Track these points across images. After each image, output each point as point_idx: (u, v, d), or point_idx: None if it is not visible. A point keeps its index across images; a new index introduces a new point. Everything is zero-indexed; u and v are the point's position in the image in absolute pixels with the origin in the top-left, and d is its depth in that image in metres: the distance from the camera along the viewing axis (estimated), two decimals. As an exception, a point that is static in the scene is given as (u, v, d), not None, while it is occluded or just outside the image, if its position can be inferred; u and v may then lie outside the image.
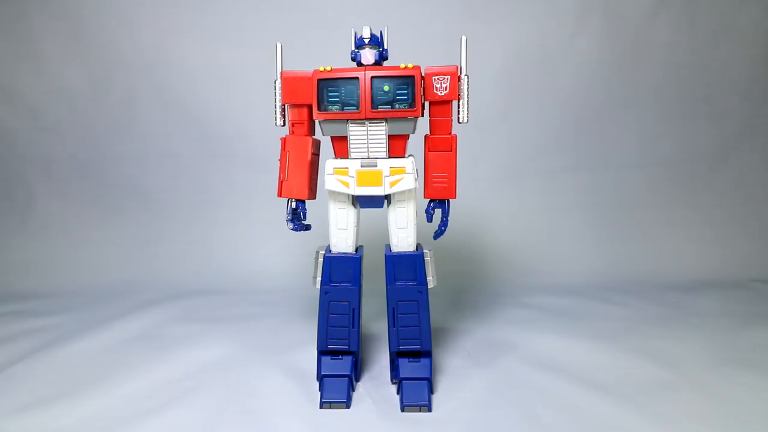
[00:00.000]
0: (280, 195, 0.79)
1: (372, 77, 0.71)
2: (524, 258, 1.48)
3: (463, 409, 0.76)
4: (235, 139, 1.57)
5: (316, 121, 0.76)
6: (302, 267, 1.41)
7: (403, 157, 0.75)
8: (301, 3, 1.52)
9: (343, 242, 0.80)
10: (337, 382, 0.79)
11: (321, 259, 0.79)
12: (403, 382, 0.79)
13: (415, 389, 0.77)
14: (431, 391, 0.80)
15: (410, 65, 0.71)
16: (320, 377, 0.80)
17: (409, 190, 0.76)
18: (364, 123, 0.73)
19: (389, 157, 0.75)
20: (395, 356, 0.82)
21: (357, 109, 0.72)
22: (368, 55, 0.72)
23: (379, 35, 0.75)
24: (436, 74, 0.73)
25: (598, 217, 1.54)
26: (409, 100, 0.71)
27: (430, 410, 0.76)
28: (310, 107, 0.75)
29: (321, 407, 0.76)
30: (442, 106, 0.75)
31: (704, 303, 1.22)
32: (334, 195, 0.78)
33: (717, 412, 0.74)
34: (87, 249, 1.56)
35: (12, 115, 1.63)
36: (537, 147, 1.56)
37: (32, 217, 1.62)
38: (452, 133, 0.76)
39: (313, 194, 0.80)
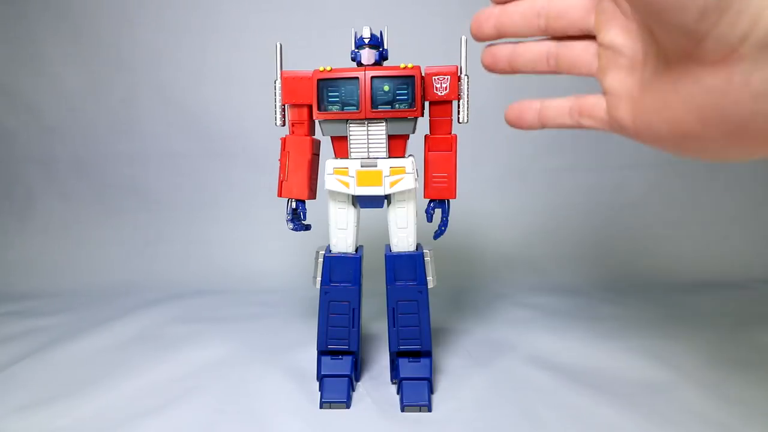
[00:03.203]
0: (280, 195, 0.79)
1: (372, 77, 0.71)
2: (524, 258, 1.48)
3: (463, 409, 0.76)
4: (235, 139, 1.58)
5: (316, 121, 0.76)
6: (302, 267, 1.41)
7: (403, 157, 0.76)
8: (301, 3, 1.53)
9: (343, 242, 0.80)
10: (337, 382, 0.79)
11: (321, 259, 0.79)
12: (403, 382, 0.79)
13: (415, 389, 0.77)
14: (431, 391, 0.80)
15: (410, 65, 0.71)
16: (320, 377, 0.80)
17: (409, 190, 0.76)
18: (364, 123, 0.73)
19: (389, 157, 0.75)
20: (395, 356, 0.82)
21: (357, 109, 0.72)
22: (368, 55, 0.72)
23: (379, 35, 0.75)
24: (436, 74, 0.74)
25: (598, 217, 1.54)
26: (409, 100, 0.71)
27: (430, 410, 0.76)
28: (310, 107, 0.75)
29: (321, 407, 0.77)
30: (442, 106, 0.75)
31: (704, 303, 1.22)
32: (334, 195, 0.78)
33: (717, 412, 0.74)
34: (87, 249, 1.56)
35: (12, 115, 1.63)
36: (537, 147, 1.56)
37: (32, 217, 1.63)
38: (452, 133, 0.76)
39: (313, 194, 0.80)
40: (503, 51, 0.56)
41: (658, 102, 0.39)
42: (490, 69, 0.58)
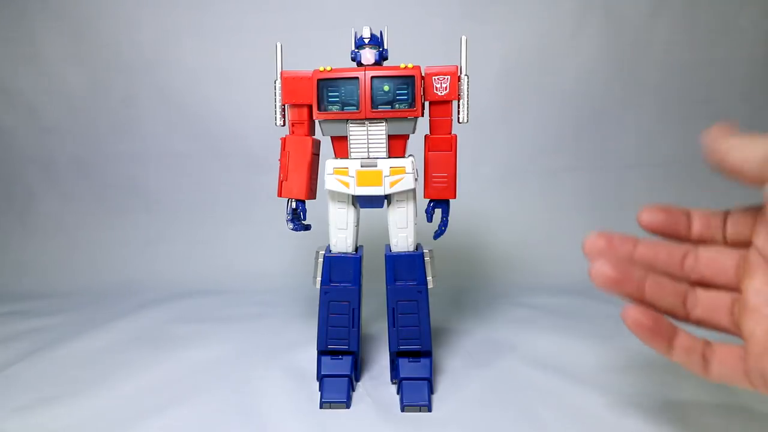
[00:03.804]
0: (280, 195, 0.79)
1: (372, 77, 0.71)
2: (524, 258, 1.48)
3: (463, 409, 0.76)
4: (236, 139, 1.58)
5: (316, 121, 0.76)
6: (302, 267, 1.41)
7: (403, 157, 0.76)
8: (301, 3, 1.53)
9: (342, 242, 0.80)
10: (337, 382, 0.79)
11: (321, 259, 0.79)
12: (403, 382, 0.79)
13: (415, 389, 0.77)
14: (431, 391, 0.80)
15: (410, 65, 0.71)
16: (320, 377, 0.80)
17: (409, 190, 0.76)
18: (364, 123, 0.73)
19: (389, 157, 0.75)
20: (395, 356, 0.82)
21: (357, 109, 0.72)
22: (368, 55, 0.72)
23: (379, 35, 0.75)
24: (436, 74, 0.74)
25: (598, 218, 1.53)
26: (409, 100, 0.71)
27: (430, 410, 0.76)
28: (310, 107, 0.75)
29: (321, 407, 0.77)
30: (442, 106, 0.75)
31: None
32: (334, 195, 0.78)
33: (717, 411, 0.74)
34: (87, 249, 1.56)
35: (12, 115, 1.63)
36: (537, 147, 1.56)
37: (32, 217, 1.63)
38: (452, 133, 0.76)
39: (312, 194, 0.81)
40: (635, 273, 0.50)
41: None
42: (611, 284, 0.50)
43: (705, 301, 0.50)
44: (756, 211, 0.47)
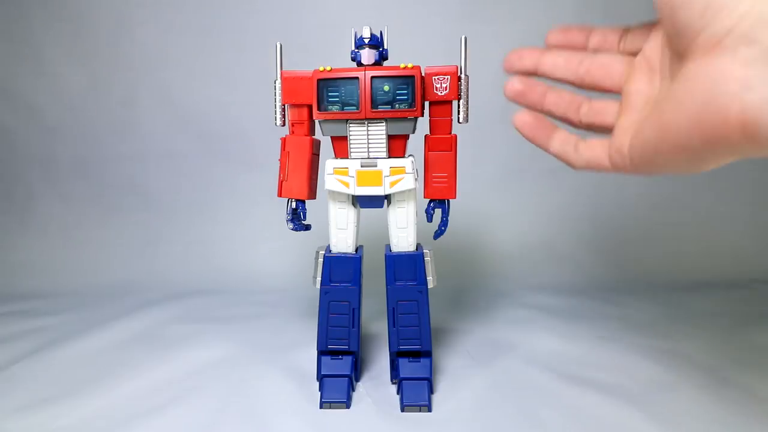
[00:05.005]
0: (280, 195, 0.79)
1: (372, 77, 0.71)
2: (524, 258, 1.48)
3: (463, 409, 0.76)
4: (235, 139, 1.58)
5: (316, 121, 0.76)
6: (302, 267, 1.41)
7: (403, 157, 0.76)
8: (301, 3, 1.53)
9: (343, 242, 0.80)
10: (337, 382, 0.79)
11: (321, 259, 0.79)
12: (403, 382, 0.79)
13: (415, 389, 0.77)
14: (431, 391, 0.80)
15: (410, 65, 0.71)
16: (320, 377, 0.80)
17: (409, 190, 0.76)
18: (364, 123, 0.73)
19: (389, 157, 0.75)
20: (395, 356, 0.82)
21: (357, 109, 0.72)
22: (368, 55, 0.72)
23: (379, 35, 0.75)
24: (436, 74, 0.73)
25: (598, 217, 1.54)
26: (409, 100, 0.71)
27: (430, 410, 0.76)
28: (310, 107, 0.75)
29: (321, 407, 0.77)
30: (442, 106, 0.75)
31: (704, 303, 1.22)
32: (334, 195, 0.78)
33: (717, 412, 0.74)
34: (87, 249, 1.56)
35: (12, 115, 1.63)
36: (537, 147, 1.56)
37: (32, 217, 1.63)
38: (452, 133, 0.76)
39: (313, 194, 0.80)
40: (539, 87, 0.59)
41: (656, 117, 0.45)
42: (518, 95, 0.59)
43: (594, 107, 0.57)
44: (652, 26, 0.52)
